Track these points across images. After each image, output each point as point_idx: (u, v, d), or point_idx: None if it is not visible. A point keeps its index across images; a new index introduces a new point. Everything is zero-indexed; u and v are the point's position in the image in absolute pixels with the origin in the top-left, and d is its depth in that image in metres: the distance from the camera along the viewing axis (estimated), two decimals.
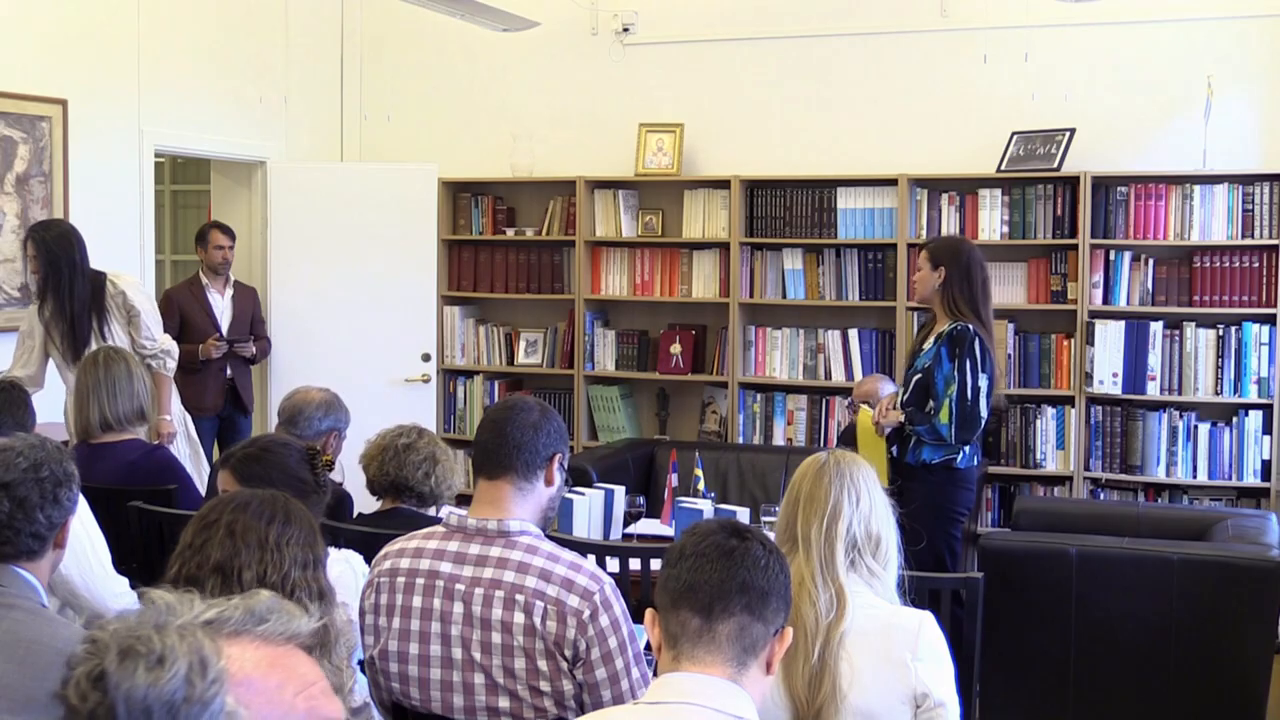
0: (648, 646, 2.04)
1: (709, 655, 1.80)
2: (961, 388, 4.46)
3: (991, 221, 6.02)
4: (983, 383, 4.50)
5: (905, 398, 4.63)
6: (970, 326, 4.54)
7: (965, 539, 5.31)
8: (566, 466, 2.60)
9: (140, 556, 3.74)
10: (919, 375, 4.60)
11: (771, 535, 2.47)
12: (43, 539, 2.38)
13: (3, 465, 2.37)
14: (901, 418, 4.59)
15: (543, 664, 2.35)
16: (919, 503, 4.56)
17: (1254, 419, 5.69)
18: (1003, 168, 6.02)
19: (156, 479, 3.99)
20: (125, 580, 3.20)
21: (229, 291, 6.26)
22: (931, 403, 4.54)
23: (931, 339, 4.64)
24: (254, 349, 6.25)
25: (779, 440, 6.39)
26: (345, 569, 2.94)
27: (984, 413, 4.53)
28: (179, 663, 1.13)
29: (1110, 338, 5.79)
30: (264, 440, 3.11)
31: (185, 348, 6.09)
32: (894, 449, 4.64)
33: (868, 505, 2.41)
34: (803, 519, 2.40)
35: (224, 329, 6.13)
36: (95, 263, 5.69)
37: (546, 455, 2.51)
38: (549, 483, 2.53)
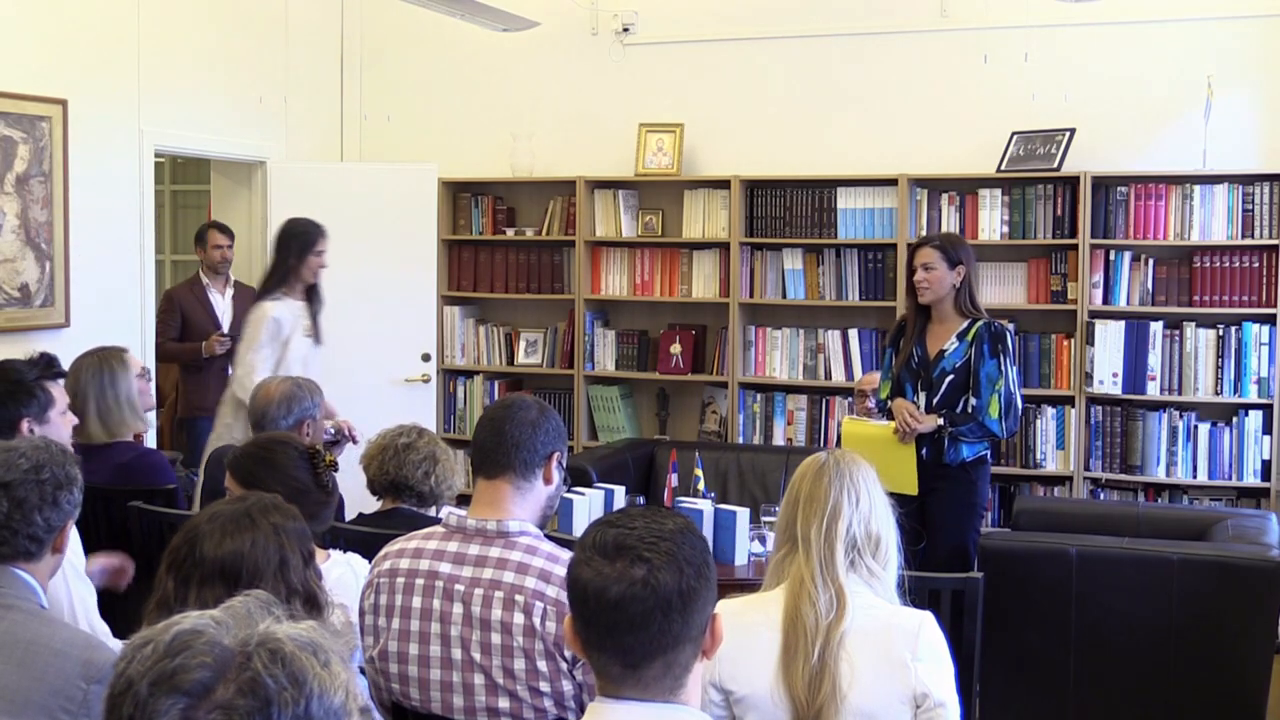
0: None
1: (637, 693, 1.70)
2: (1006, 382, 4.54)
3: (991, 221, 6.02)
4: (1015, 375, 4.62)
5: (936, 400, 4.59)
6: (1002, 324, 4.67)
7: None
8: (565, 465, 2.60)
9: (142, 557, 3.74)
10: (952, 376, 4.57)
11: (771, 536, 2.48)
12: (40, 541, 2.38)
13: (4, 465, 2.37)
14: (938, 421, 4.52)
15: (542, 664, 2.35)
16: (953, 502, 4.57)
17: (1254, 419, 5.69)
18: (1003, 168, 6.02)
19: (147, 480, 3.98)
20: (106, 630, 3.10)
21: (229, 291, 6.26)
22: (973, 400, 4.54)
23: (953, 339, 4.61)
24: None
25: (779, 440, 6.39)
26: (346, 571, 2.93)
27: (1021, 403, 4.67)
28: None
29: (1110, 338, 5.79)
30: (264, 439, 3.11)
31: (188, 345, 6.09)
32: (924, 451, 4.56)
33: (867, 505, 2.40)
34: (802, 519, 2.39)
35: (225, 328, 6.14)
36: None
37: (545, 454, 2.51)
38: (548, 481, 2.53)
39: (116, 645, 2.80)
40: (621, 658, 1.69)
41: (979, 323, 4.60)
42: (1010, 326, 5.99)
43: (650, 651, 1.68)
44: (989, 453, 4.71)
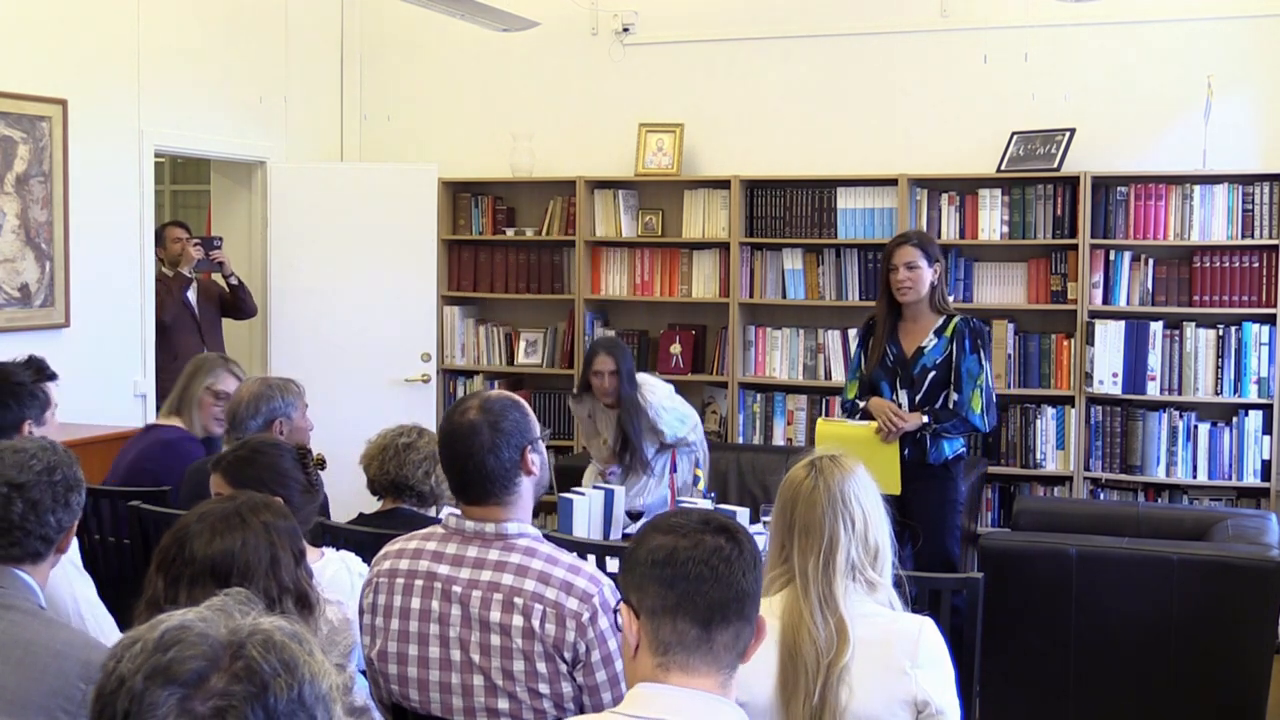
0: None
1: (704, 665, 1.75)
2: (986, 377, 4.55)
3: (991, 221, 6.02)
4: (991, 370, 4.62)
5: (919, 398, 4.58)
6: (978, 320, 4.68)
7: (965, 539, 5.33)
8: (542, 440, 2.54)
9: (143, 558, 3.74)
10: (934, 372, 4.56)
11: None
12: (50, 542, 2.39)
13: (17, 466, 2.37)
14: (923, 419, 4.50)
15: (541, 666, 2.35)
16: (931, 501, 4.57)
17: (1254, 419, 5.69)
18: (1003, 168, 6.02)
19: (175, 461, 4.07)
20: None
21: (193, 284, 6.22)
22: (954, 396, 4.53)
23: (930, 335, 4.60)
24: (227, 263, 6.19)
25: (779, 440, 6.39)
26: (340, 568, 2.93)
27: (995, 399, 4.71)
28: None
29: (1110, 338, 5.79)
30: (255, 441, 3.11)
31: (172, 279, 6.06)
32: (906, 451, 4.53)
33: (863, 523, 2.35)
34: (799, 552, 2.33)
35: (196, 311, 6.11)
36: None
37: (515, 460, 2.46)
38: (529, 473, 2.49)
39: (119, 636, 2.81)
40: (702, 616, 1.75)
41: (956, 319, 4.60)
42: (1011, 328, 6.01)
43: (727, 613, 1.76)
44: (966, 449, 4.73)
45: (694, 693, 1.73)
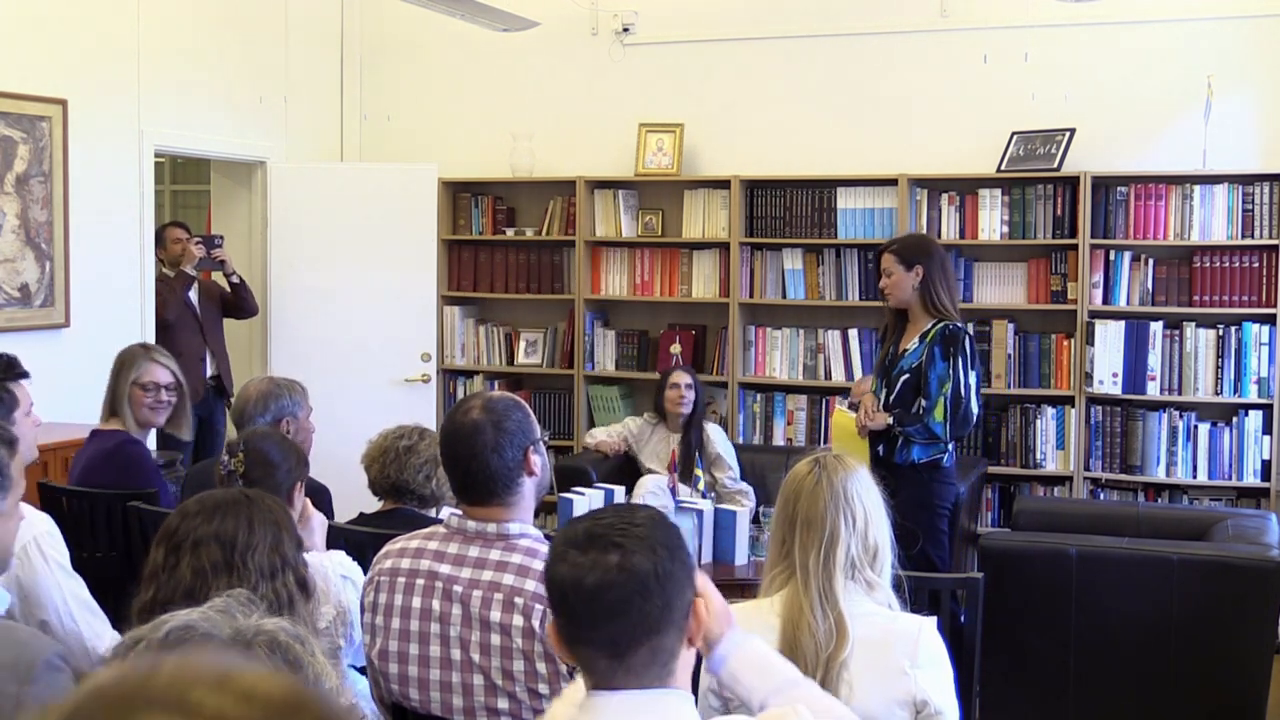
0: None
1: (626, 681, 1.70)
2: (955, 386, 4.48)
3: (991, 221, 6.02)
4: (973, 379, 4.54)
5: (892, 399, 4.60)
6: (960, 326, 4.58)
7: (963, 538, 5.32)
8: (543, 442, 2.54)
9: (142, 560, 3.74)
10: (906, 376, 4.57)
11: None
12: None
13: None
14: (889, 419, 4.52)
15: (541, 666, 2.35)
16: (906, 502, 4.56)
17: (1254, 419, 5.69)
18: (1003, 168, 6.02)
19: (118, 471, 4.02)
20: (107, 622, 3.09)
21: (195, 284, 6.21)
22: (923, 402, 4.52)
23: (915, 339, 4.61)
24: (229, 262, 6.20)
25: (779, 440, 6.39)
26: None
27: (976, 408, 4.59)
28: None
29: (1110, 338, 5.79)
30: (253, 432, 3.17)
31: (174, 277, 6.06)
32: (880, 449, 4.56)
33: (864, 520, 2.36)
34: (800, 545, 2.34)
35: (197, 310, 6.11)
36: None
37: (518, 460, 2.46)
38: (531, 474, 2.50)
39: (113, 635, 2.80)
40: (608, 649, 1.69)
41: (939, 325, 4.59)
42: (1011, 328, 6.00)
43: (634, 638, 1.68)
44: (946, 456, 4.60)
45: (639, 692, 1.69)
